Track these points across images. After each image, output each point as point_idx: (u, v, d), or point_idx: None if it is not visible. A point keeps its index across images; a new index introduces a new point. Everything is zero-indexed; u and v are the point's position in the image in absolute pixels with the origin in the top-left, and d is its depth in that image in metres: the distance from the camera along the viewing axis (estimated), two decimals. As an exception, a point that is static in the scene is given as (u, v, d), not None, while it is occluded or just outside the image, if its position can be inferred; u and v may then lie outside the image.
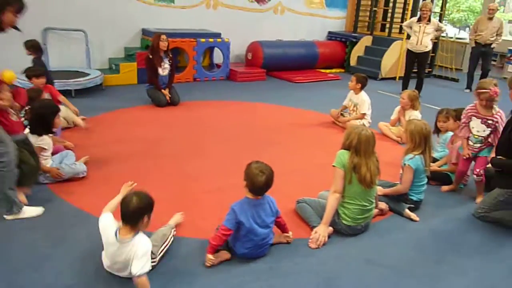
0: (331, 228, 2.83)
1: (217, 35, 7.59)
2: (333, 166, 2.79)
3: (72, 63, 6.70)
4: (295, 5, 9.21)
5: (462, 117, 3.56)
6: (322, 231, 2.76)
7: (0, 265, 2.36)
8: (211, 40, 7.43)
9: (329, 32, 9.90)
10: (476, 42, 7.98)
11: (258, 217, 2.46)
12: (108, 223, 2.26)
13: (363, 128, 2.85)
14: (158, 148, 4.23)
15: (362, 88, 5.22)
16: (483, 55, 8.07)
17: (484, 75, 7.88)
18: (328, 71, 9.14)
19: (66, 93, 5.55)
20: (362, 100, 5.20)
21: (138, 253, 2.12)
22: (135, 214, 2.12)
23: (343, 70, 9.45)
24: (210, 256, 2.43)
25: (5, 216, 2.77)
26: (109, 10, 7.03)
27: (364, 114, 5.17)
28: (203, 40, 7.31)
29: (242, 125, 5.19)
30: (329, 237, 2.79)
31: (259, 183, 2.37)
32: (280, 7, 9.01)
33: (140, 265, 2.10)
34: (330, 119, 5.49)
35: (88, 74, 6.27)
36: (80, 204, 3.04)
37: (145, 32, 7.32)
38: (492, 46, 7.92)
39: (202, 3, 7.98)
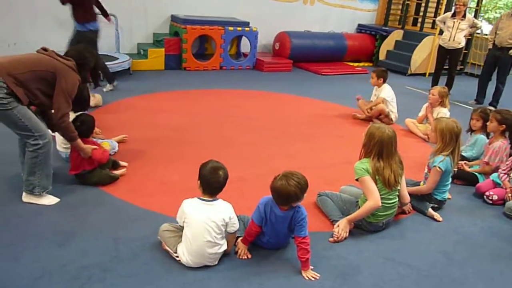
0: (352, 224, 2.80)
1: (246, 24, 7.55)
2: (357, 179, 2.73)
3: (102, 46, 6.78)
4: (325, -4, 9.09)
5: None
6: (343, 226, 2.74)
7: (28, 240, 2.43)
8: (239, 29, 7.41)
9: (359, 25, 9.73)
10: (493, 44, 6.45)
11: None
12: (189, 202, 2.32)
13: (385, 127, 2.76)
14: (182, 135, 4.26)
15: (384, 82, 5.18)
16: (498, 62, 6.43)
17: (497, 92, 6.55)
18: (356, 64, 9.00)
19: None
20: (383, 88, 5.17)
21: (230, 210, 2.31)
22: (222, 186, 2.29)
23: (371, 64, 9.29)
24: (242, 246, 2.46)
25: (24, 197, 2.82)
26: (139, -4, 7.08)
27: (383, 98, 5.10)
28: (231, 28, 7.29)
29: (267, 115, 5.17)
30: (349, 232, 2.77)
31: (276, 188, 2.30)
32: (310, -3, 8.91)
33: (237, 221, 2.35)
34: (355, 112, 5.41)
35: (117, 58, 6.35)
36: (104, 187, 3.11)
37: (174, 18, 7.35)
38: (510, 51, 6.22)
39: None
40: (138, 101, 5.25)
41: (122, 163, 3.43)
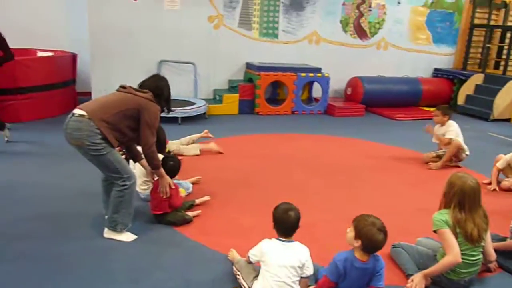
0: (429, 279, 2.63)
1: (317, 69, 7.67)
2: (434, 231, 2.59)
3: (180, 92, 7.23)
4: (399, 41, 9.00)
5: None
6: (418, 280, 2.58)
7: (104, 275, 2.57)
8: (311, 74, 7.54)
9: (435, 69, 9.47)
10: None
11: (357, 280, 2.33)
12: (269, 242, 2.36)
13: (468, 177, 2.60)
14: (253, 178, 4.34)
15: (449, 119, 5.00)
16: None
17: None
18: (432, 109, 8.67)
19: (173, 120, 6.02)
20: (449, 126, 4.97)
21: (306, 253, 2.30)
22: (295, 226, 2.31)
23: (449, 109, 8.90)
24: None
25: (105, 233, 3.00)
26: (217, 45, 7.52)
27: (451, 139, 4.85)
28: (303, 74, 7.44)
29: (338, 160, 5.12)
30: (426, 288, 2.60)
31: (378, 242, 2.22)
32: (383, 42, 8.88)
33: (312, 265, 2.30)
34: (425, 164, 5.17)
35: (194, 103, 6.71)
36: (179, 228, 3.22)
37: (248, 65, 7.68)
38: None
39: (305, 39, 8.17)
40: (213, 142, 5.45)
41: (201, 199, 3.58)
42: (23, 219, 3.22)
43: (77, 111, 2.80)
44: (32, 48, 7.04)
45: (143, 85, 3.09)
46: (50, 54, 6.83)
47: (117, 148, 3.02)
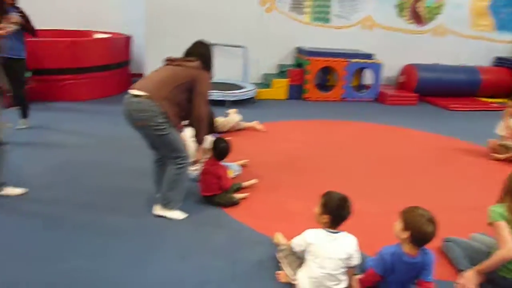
0: (482, 276, 2.52)
1: (369, 56, 7.46)
2: (489, 223, 2.47)
3: (230, 76, 7.27)
4: (458, 27, 8.55)
5: None
6: (471, 277, 2.48)
7: (154, 251, 2.66)
8: (363, 61, 7.35)
9: (497, 58, 8.93)
10: None
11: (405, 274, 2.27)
12: (314, 232, 2.32)
13: None
14: (300, 163, 4.32)
15: None
16: None
17: None
18: (491, 100, 8.23)
19: (221, 103, 6.09)
20: None
21: (354, 244, 2.26)
22: (347, 214, 2.27)
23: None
24: None
25: (157, 210, 3.08)
26: (267, 29, 7.48)
27: None
28: (354, 60, 7.26)
29: (388, 150, 4.98)
30: (480, 287, 2.49)
31: (427, 234, 2.15)
32: (441, 28, 8.47)
33: (359, 255, 2.26)
34: (488, 152, 4.92)
35: (243, 87, 6.74)
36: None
37: (299, 50, 7.59)
38: None
39: (358, 24, 7.95)
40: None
41: (248, 182, 3.62)
42: (83, 192, 3.41)
43: (135, 91, 2.83)
44: (89, 30, 7.31)
45: (189, 53, 3.05)
46: (106, 36, 7.07)
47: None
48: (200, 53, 3.02)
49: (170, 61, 3.00)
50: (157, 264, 2.54)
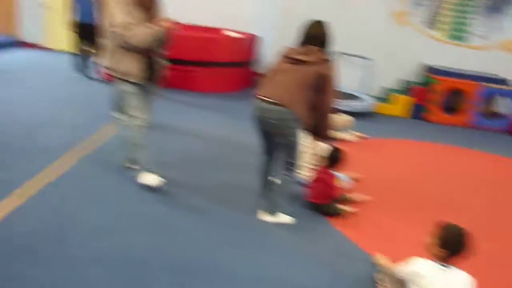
0: None
1: (506, 82, 6.77)
2: None
3: (349, 85, 7.16)
4: None
5: None
6: None
7: (261, 250, 2.74)
8: (498, 86, 6.70)
9: None
10: None
11: None
12: (425, 263, 2.19)
13: None
14: (414, 185, 4.11)
15: None
16: None
17: None
18: None
19: (337, 111, 6.01)
20: None
21: (468, 283, 2.12)
22: (464, 251, 2.11)
23: None
24: None
25: (263, 217, 3.09)
26: (396, 42, 7.23)
27: None
28: (489, 85, 6.65)
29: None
30: None
31: None
32: None
33: None
34: None
35: (361, 99, 6.59)
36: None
37: (427, 68, 7.17)
38: None
39: (498, 45, 7.26)
40: (375, 143, 5.31)
41: (358, 196, 3.53)
42: (204, 178, 3.65)
43: (268, 98, 2.78)
44: (221, 28, 7.75)
45: (308, 39, 2.88)
46: (237, 35, 7.43)
47: None
48: (321, 38, 2.87)
49: (291, 58, 2.84)
50: (259, 260, 2.62)
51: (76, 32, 6.33)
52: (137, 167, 3.35)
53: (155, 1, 3.15)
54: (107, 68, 3.20)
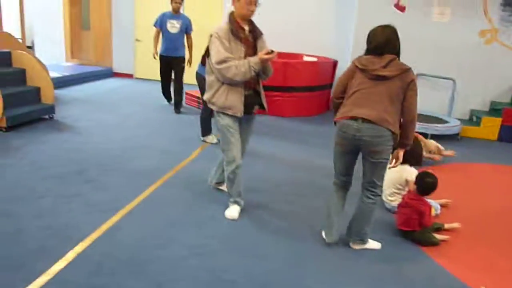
0: None
1: None
2: None
3: (434, 108, 6.91)
4: None
5: None
6: None
7: (342, 278, 2.72)
8: None
9: None
10: None
11: None
12: None
13: None
14: (506, 219, 3.81)
15: None
16: None
17: None
18: None
19: (422, 135, 5.81)
20: None
21: None
22: None
23: None
24: None
25: (354, 245, 3.02)
26: (483, 62, 6.86)
27: None
28: None
29: None
30: None
31: None
32: None
33: None
34: None
35: (447, 122, 6.32)
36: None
37: (520, 88, 6.74)
38: None
39: None
40: (464, 167, 5.05)
41: (450, 225, 3.38)
42: (291, 203, 3.70)
43: (361, 117, 2.70)
44: (300, 53, 7.90)
45: (381, 49, 2.74)
46: (314, 59, 7.52)
47: None
48: (393, 44, 2.75)
49: (374, 75, 2.72)
50: (348, 285, 2.59)
51: (162, 64, 6.67)
52: (225, 188, 3.49)
53: (255, 36, 3.17)
54: (207, 101, 3.22)
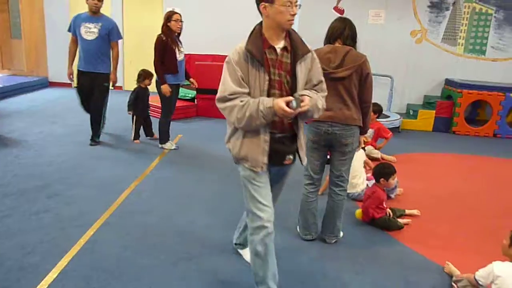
0: None
1: (529, 91, 6.95)
2: None
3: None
4: None
5: None
6: None
7: (326, 265, 2.90)
8: (521, 95, 6.88)
9: None
10: None
11: None
12: (503, 265, 2.32)
13: None
14: (458, 198, 4.23)
15: None
16: None
17: None
18: None
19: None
20: None
21: None
22: None
23: None
24: None
25: (330, 241, 3.15)
26: (416, 60, 7.47)
27: None
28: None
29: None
30: None
31: None
32: None
33: None
34: None
35: (388, 116, 6.78)
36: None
37: (448, 82, 7.39)
38: None
39: (517, 56, 7.49)
40: (407, 158, 5.48)
41: (410, 211, 3.69)
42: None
43: (328, 120, 2.88)
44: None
45: (345, 41, 2.91)
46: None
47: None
48: (351, 35, 2.93)
49: (333, 78, 2.81)
50: (331, 271, 2.76)
51: (78, 81, 5.27)
52: (246, 257, 2.75)
53: (296, 57, 2.15)
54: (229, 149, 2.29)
